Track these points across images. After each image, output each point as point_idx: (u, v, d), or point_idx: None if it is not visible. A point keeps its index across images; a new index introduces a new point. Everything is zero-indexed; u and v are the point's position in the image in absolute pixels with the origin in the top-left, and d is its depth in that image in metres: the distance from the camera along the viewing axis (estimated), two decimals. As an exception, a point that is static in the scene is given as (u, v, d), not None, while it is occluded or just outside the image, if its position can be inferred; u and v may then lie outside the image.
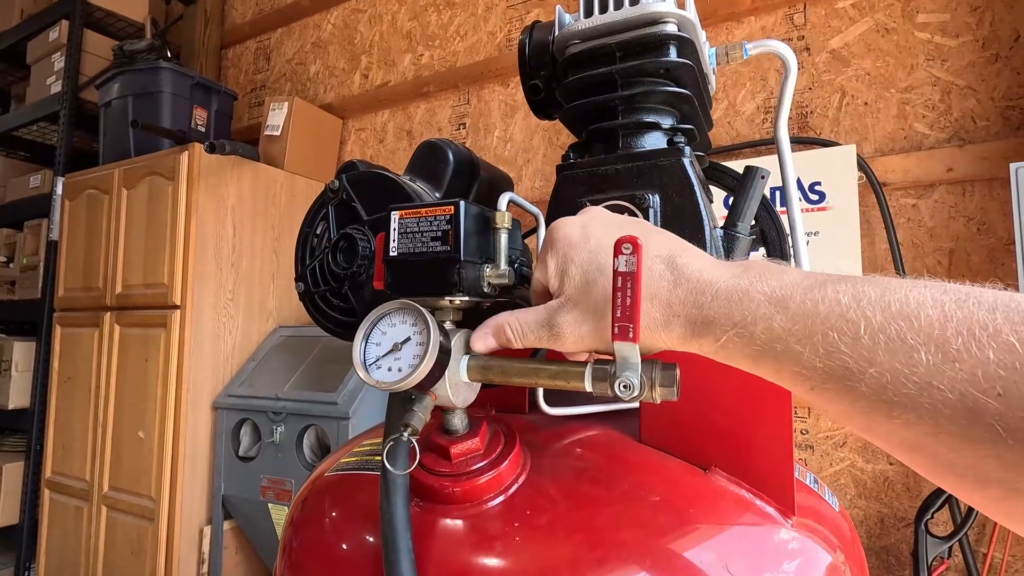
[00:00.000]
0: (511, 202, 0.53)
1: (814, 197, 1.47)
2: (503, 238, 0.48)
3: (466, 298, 0.47)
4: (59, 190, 2.23)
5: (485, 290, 0.48)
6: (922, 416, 0.27)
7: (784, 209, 0.68)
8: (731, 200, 0.61)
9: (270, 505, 1.67)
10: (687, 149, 0.56)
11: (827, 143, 1.49)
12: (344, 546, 0.50)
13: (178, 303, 1.79)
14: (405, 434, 0.42)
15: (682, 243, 0.40)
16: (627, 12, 0.57)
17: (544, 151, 1.95)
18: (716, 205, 0.63)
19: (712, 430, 0.49)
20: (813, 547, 0.47)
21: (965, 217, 1.36)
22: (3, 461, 2.33)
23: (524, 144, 1.98)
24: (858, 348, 0.29)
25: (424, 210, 0.47)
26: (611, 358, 0.40)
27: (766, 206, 0.68)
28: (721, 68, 1.65)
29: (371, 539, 0.48)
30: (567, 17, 0.63)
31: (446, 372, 0.44)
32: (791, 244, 0.69)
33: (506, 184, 0.74)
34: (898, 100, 1.44)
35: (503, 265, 0.48)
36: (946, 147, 1.37)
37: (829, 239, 1.45)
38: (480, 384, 0.48)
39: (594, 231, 0.41)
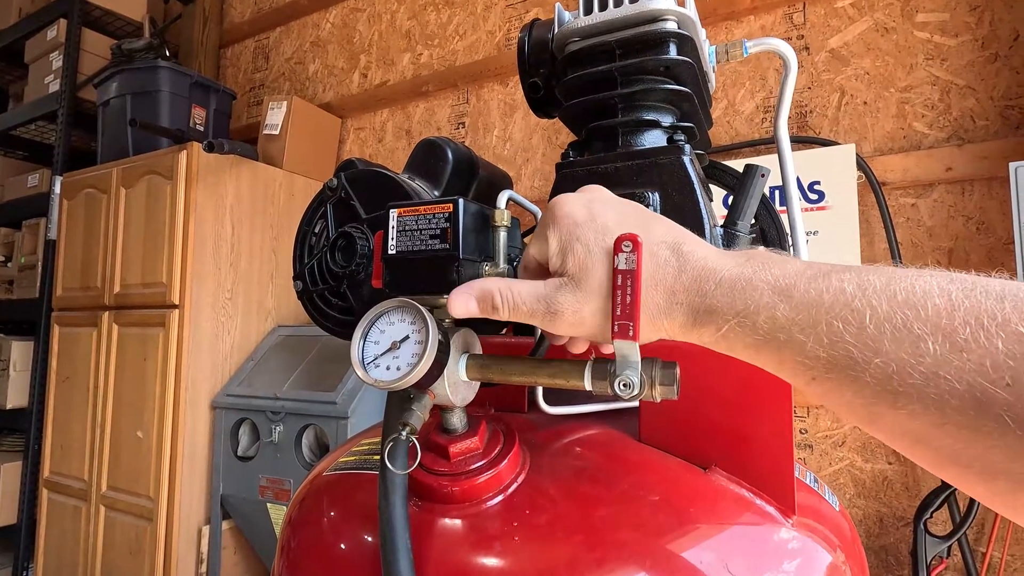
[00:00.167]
0: (510, 200, 0.53)
1: (813, 196, 1.47)
2: (502, 236, 0.48)
3: (465, 296, 0.46)
4: (57, 189, 2.23)
5: (484, 288, 0.48)
6: (928, 406, 0.27)
7: (784, 208, 0.68)
8: (731, 199, 0.61)
9: (269, 505, 1.67)
10: (687, 147, 0.56)
11: (826, 142, 1.49)
12: (342, 546, 0.50)
13: (176, 302, 1.78)
14: (404, 433, 0.42)
15: (685, 231, 0.39)
16: (627, 9, 0.57)
17: (543, 150, 1.94)
18: (716, 204, 0.63)
19: (712, 429, 0.49)
20: (813, 547, 0.47)
21: (964, 216, 1.36)
22: (1, 461, 2.32)
23: (523, 143, 1.98)
24: (863, 337, 0.29)
25: (423, 208, 0.47)
26: (605, 352, 0.40)
27: (766, 205, 0.68)
28: (720, 67, 1.65)
29: (369, 539, 0.48)
30: (566, 15, 0.62)
31: (445, 371, 0.43)
32: (791, 243, 0.69)
33: (505, 183, 0.74)
34: (897, 99, 1.44)
35: (502, 263, 0.48)
36: (945, 146, 1.37)
37: (828, 238, 1.44)
38: (479, 383, 0.48)
39: (599, 210, 0.39)
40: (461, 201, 0.46)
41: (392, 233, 0.48)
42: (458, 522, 0.45)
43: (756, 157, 1.58)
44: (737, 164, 0.67)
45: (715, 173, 0.70)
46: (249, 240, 1.99)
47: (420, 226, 0.46)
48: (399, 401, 0.45)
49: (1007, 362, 0.25)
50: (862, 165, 1.42)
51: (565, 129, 0.62)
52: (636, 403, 0.54)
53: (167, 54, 2.31)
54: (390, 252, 0.48)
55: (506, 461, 0.46)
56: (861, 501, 1.41)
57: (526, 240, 0.69)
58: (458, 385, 0.45)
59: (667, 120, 0.60)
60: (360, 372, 0.42)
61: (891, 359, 0.28)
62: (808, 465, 1.47)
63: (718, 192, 0.71)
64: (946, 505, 1.26)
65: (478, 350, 0.48)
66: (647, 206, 0.54)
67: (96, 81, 2.21)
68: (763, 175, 0.59)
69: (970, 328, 0.26)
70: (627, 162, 0.57)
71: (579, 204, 0.40)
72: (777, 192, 1.39)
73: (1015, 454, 0.25)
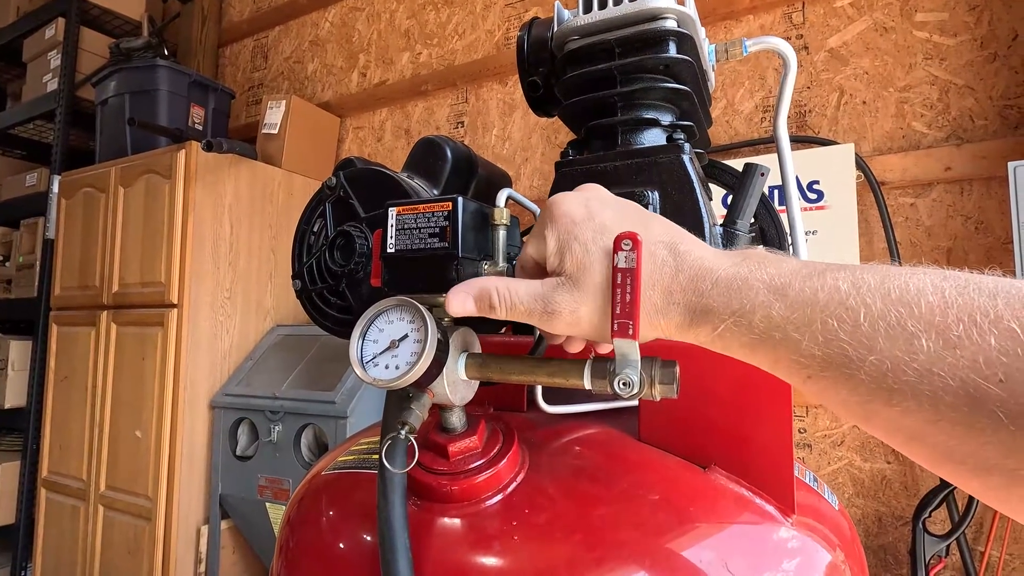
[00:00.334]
0: (510, 199, 0.53)
1: (812, 196, 1.47)
2: (501, 234, 0.48)
3: (464, 295, 0.46)
4: (55, 188, 2.23)
5: (483, 287, 0.47)
6: (922, 403, 0.27)
7: (783, 208, 0.68)
8: (731, 198, 0.61)
9: (268, 504, 1.67)
10: (686, 146, 0.56)
11: (825, 142, 1.49)
12: (341, 545, 0.50)
13: (175, 302, 1.78)
14: (403, 432, 0.42)
15: (681, 230, 0.39)
16: (626, 8, 0.57)
17: (543, 150, 1.94)
18: (715, 203, 0.63)
19: (712, 428, 0.49)
20: (813, 546, 0.47)
21: (963, 216, 1.36)
22: (-1, 460, 2.32)
23: (522, 143, 1.98)
24: (858, 335, 0.29)
25: (422, 206, 0.46)
26: (603, 351, 0.40)
27: (765, 204, 0.68)
28: (720, 66, 1.65)
29: (368, 538, 0.48)
30: (566, 13, 0.62)
31: (444, 369, 0.43)
32: (790, 242, 0.69)
33: (504, 181, 0.74)
34: (896, 99, 1.44)
35: (501, 262, 0.48)
36: (944, 146, 1.37)
37: (827, 238, 1.44)
38: (478, 382, 0.48)
39: (597, 209, 0.39)
40: (460, 199, 0.46)
41: (391, 232, 0.47)
42: (457, 521, 0.45)
43: (755, 156, 1.58)
44: (737, 163, 0.67)
45: (714, 172, 0.70)
46: (248, 239, 1.99)
47: (419, 224, 0.46)
48: (398, 400, 0.45)
49: (1000, 358, 0.25)
50: (861, 165, 1.42)
51: (564, 128, 0.62)
52: (635, 402, 0.53)
53: (166, 53, 2.30)
54: (389, 251, 0.48)
55: (505, 460, 0.46)
56: (860, 500, 1.41)
57: (525, 239, 0.69)
58: (457, 384, 0.45)
59: (666, 119, 0.60)
60: (359, 371, 0.42)
61: (885, 357, 0.28)
62: (807, 464, 1.47)
63: (717, 191, 0.71)
64: (945, 504, 1.26)
65: (477, 349, 0.48)
66: (646, 205, 0.54)
67: (94, 80, 2.20)
68: (762, 174, 0.59)
69: (963, 325, 0.26)
70: (626, 161, 0.57)
71: (577, 203, 0.40)
72: (776, 191, 1.39)
73: (1008, 450, 0.25)
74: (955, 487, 1.24)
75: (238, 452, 1.77)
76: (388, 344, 0.42)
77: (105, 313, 1.94)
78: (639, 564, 0.41)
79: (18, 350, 2.32)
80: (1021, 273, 1.17)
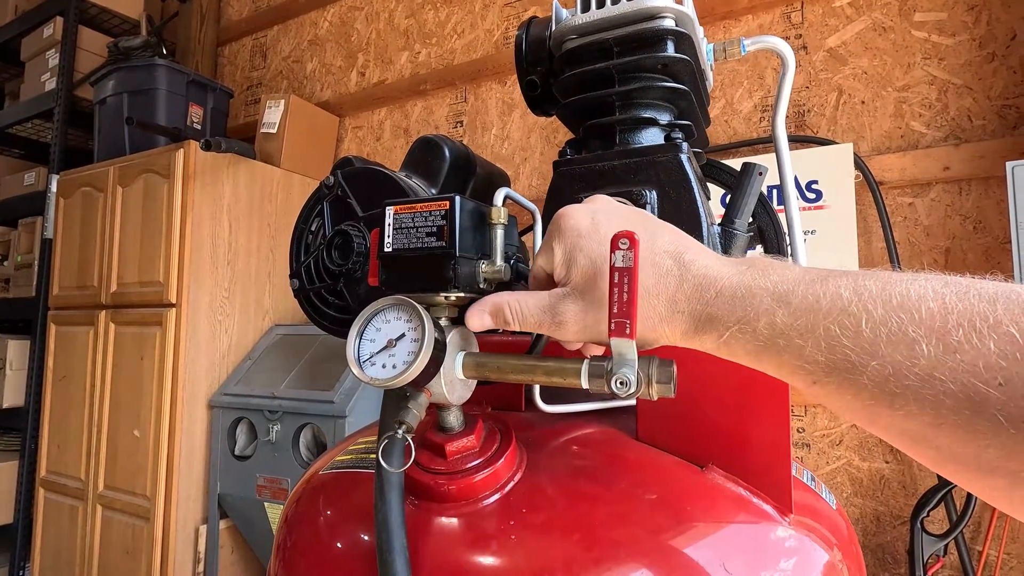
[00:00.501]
0: (507, 198, 0.53)
1: (811, 195, 1.47)
2: (499, 234, 0.48)
3: (462, 294, 0.46)
4: (54, 188, 2.22)
5: (481, 286, 0.47)
6: (924, 407, 0.28)
7: (782, 207, 0.68)
8: (729, 197, 0.61)
9: (266, 504, 1.67)
10: (684, 145, 0.56)
11: (824, 142, 1.49)
12: (338, 545, 0.50)
13: (174, 301, 1.78)
14: (400, 432, 0.42)
15: (688, 239, 0.40)
16: (624, 7, 0.57)
17: (542, 149, 1.94)
18: (714, 203, 0.63)
19: (709, 428, 0.49)
20: (810, 545, 0.47)
21: (961, 216, 1.36)
22: (-3, 460, 2.32)
23: (521, 142, 1.98)
24: (860, 341, 0.29)
25: (419, 205, 0.46)
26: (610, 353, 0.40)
27: (764, 203, 0.68)
28: (719, 66, 1.65)
29: (365, 538, 0.48)
30: (564, 12, 0.62)
31: (441, 369, 0.43)
32: (789, 242, 0.69)
33: (503, 180, 0.74)
34: (895, 99, 1.44)
35: (499, 261, 0.48)
36: (943, 146, 1.37)
37: (826, 237, 1.45)
38: (476, 381, 0.48)
39: (603, 221, 0.40)
40: (458, 198, 0.45)
41: (388, 231, 0.47)
42: (454, 521, 0.45)
43: (754, 156, 1.58)
44: (736, 163, 0.67)
45: (713, 171, 0.70)
46: (247, 239, 1.99)
47: (416, 223, 0.46)
48: (395, 399, 0.45)
49: (999, 363, 0.26)
50: (860, 164, 1.42)
51: (564, 128, 0.62)
52: (633, 401, 0.53)
53: (164, 52, 2.30)
54: (386, 250, 0.47)
55: (503, 460, 0.46)
56: (858, 500, 1.41)
57: (523, 239, 0.69)
58: (454, 383, 0.45)
59: (664, 118, 0.60)
60: (356, 370, 0.42)
61: (887, 362, 0.29)
62: (805, 464, 1.47)
63: (716, 191, 0.71)
64: (943, 504, 1.26)
65: (475, 348, 0.48)
66: (644, 204, 0.54)
67: (93, 79, 2.20)
68: (760, 173, 0.59)
69: (963, 330, 0.27)
70: (624, 160, 0.57)
71: (583, 216, 0.41)
72: (775, 191, 1.39)
73: (1009, 452, 0.26)
74: (953, 486, 1.25)
75: (237, 452, 1.77)
76: (385, 343, 0.42)
77: (103, 313, 1.94)
78: (636, 564, 0.41)
79: (16, 350, 2.31)
80: (1019, 271, 1.17)
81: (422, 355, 0.40)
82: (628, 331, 0.35)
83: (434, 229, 0.46)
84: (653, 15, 0.56)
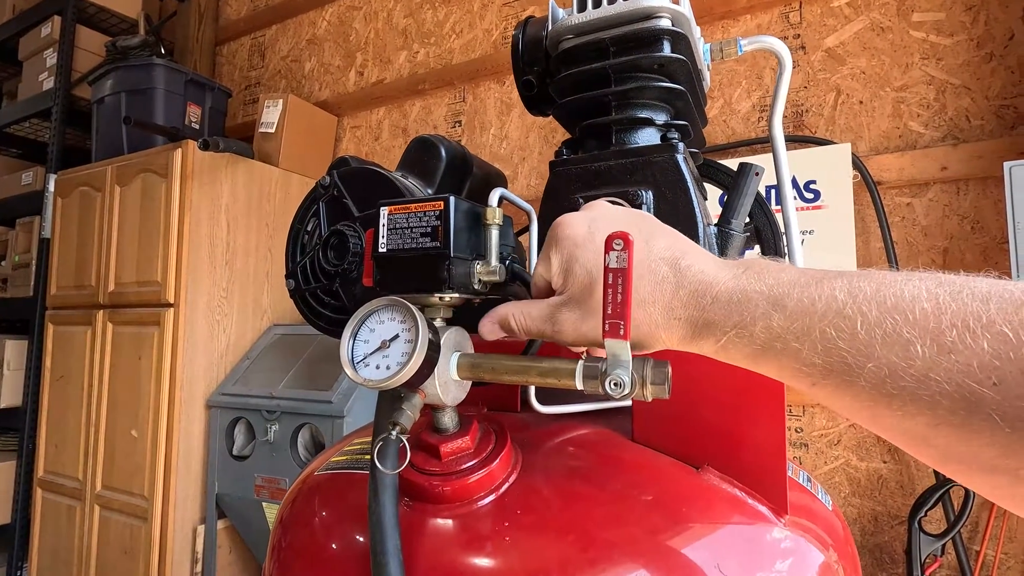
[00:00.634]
0: (503, 198, 0.53)
1: (809, 195, 1.47)
2: (494, 234, 0.48)
3: (456, 295, 0.46)
4: (51, 187, 2.22)
5: (476, 287, 0.47)
6: (922, 408, 0.28)
7: (779, 207, 0.68)
8: (725, 197, 0.61)
9: (264, 504, 1.67)
10: (680, 145, 0.55)
11: (822, 141, 1.49)
12: (333, 546, 0.49)
13: (171, 301, 1.77)
14: (394, 433, 0.42)
15: (685, 242, 0.39)
16: (621, 7, 0.56)
17: (540, 149, 1.94)
18: (711, 203, 0.63)
19: (705, 428, 0.49)
20: (806, 546, 0.47)
21: (959, 216, 1.36)
22: (-5, 460, 2.31)
23: (520, 142, 1.98)
24: (856, 344, 0.30)
25: (414, 206, 0.46)
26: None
27: (761, 204, 0.68)
28: (717, 66, 1.65)
29: (360, 539, 0.47)
30: (560, 12, 0.62)
31: (436, 370, 0.43)
32: (786, 242, 0.69)
33: (499, 181, 0.74)
34: (893, 99, 1.44)
35: (494, 262, 0.48)
36: (940, 146, 1.37)
37: (824, 237, 1.44)
38: (470, 382, 0.48)
39: (600, 229, 0.40)
40: (452, 199, 0.45)
41: (383, 231, 0.47)
42: (449, 522, 0.45)
43: (753, 156, 1.58)
44: (734, 163, 0.67)
45: (709, 171, 0.70)
46: (245, 239, 1.98)
47: (411, 224, 0.46)
48: (389, 400, 0.45)
49: (993, 362, 0.26)
50: (858, 164, 1.42)
51: (562, 128, 0.61)
52: (629, 402, 0.53)
53: (162, 51, 2.29)
54: (381, 250, 0.47)
55: (498, 461, 0.46)
56: (856, 500, 1.42)
57: (520, 239, 0.68)
58: (449, 384, 0.45)
59: (661, 118, 0.60)
60: (349, 371, 0.42)
61: (883, 363, 0.29)
62: (804, 464, 1.47)
63: (714, 191, 0.70)
64: (940, 504, 1.26)
65: (469, 349, 0.48)
66: (640, 204, 0.54)
67: (91, 79, 2.19)
68: (757, 173, 0.59)
69: (957, 330, 0.27)
70: (620, 160, 0.57)
71: (580, 224, 0.41)
72: (772, 191, 1.39)
73: (1007, 451, 0.26)
74: (951, 486, 1.25)
75: (235, 452, 1.76)
76: (379, 344, 0.42)
77: (101, 312, 1.94)
78: (632, 565, 0.41)
79: (14, 349, 2.31)
80: (1016, 272, 1.17)
81: (416, 356, 0.40)
82: (622, 332, 0.35)
83: (429, 229, 0.45)
84: (649, 15, 0.56)
